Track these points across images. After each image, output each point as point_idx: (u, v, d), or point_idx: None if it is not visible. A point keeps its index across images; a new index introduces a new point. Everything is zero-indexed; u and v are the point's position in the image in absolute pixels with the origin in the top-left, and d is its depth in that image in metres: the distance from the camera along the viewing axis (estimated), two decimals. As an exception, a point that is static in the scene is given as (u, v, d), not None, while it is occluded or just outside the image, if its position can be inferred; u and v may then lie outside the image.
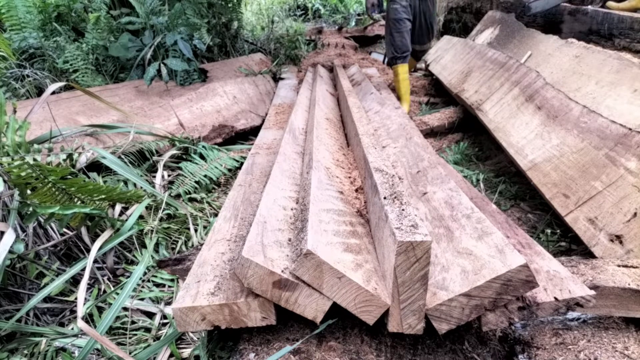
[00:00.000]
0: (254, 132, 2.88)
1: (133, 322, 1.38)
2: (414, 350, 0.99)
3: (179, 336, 1.29)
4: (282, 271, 0.88)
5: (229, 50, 4.10)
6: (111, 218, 1.62)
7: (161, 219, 1.86)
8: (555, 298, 0.90)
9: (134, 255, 1.69)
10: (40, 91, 2.77)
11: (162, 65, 2.86)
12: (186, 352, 1.23)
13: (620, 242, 1.36)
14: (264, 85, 3.59)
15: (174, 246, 1.77)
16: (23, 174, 1.29)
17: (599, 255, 1.39)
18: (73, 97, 2.54)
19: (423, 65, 4.51)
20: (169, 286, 1.55)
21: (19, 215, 1.48)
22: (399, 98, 3.23)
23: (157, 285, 1.55)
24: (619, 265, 1.16)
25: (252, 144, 2.18)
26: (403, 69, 3.12)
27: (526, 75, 2.31)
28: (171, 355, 1.21)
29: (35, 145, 1.79)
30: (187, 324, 0.95)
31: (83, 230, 1.63)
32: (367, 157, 1.26)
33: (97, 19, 3.08)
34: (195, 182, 2.19)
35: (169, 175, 2.26)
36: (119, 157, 2.05)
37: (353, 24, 7.58)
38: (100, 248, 1.47)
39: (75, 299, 1.44)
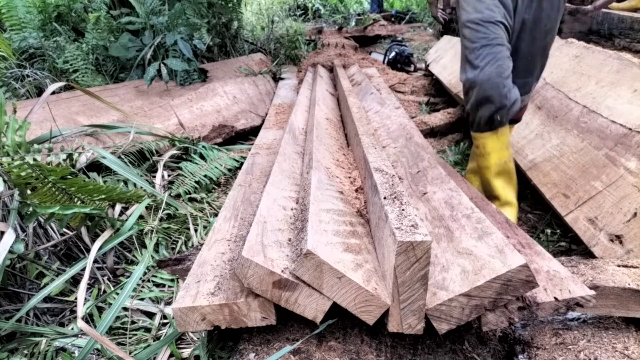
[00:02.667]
0: (254, 132, 2.88)
1: (133, 322, 1.38)
2: (414, 350, 0.99)
3: (179, 336, 1.29)
4: (282, 271, 0.88)
5: (229, 50, 4.10)
6: (111, 218, 1.62)
7: (161, 219, 1.86)
8: (555, 298, 0.90)
9: (134, 255, 1.69)
10: (40, 91, 2.77)
11: (162, 65, 2.86)
12: (186, 352, 1.23)
13: (620, 242, 1.36)
14: (264, 85, 3.59)
15: (174, 246, 1.77)
16: (23, 174, 1.29)
17: (599, 255, 1.39)
18: (73, 97, 2.54)
19: (423, 66, 4.52)
20: (169, 286, 1.55)
21: (19, 215, 1.48)
22: (489, 196, 1.64)
23: (157, 285, 1.55)
24: (619, 265, 1.16)
25: (252, 144, 2.18)
26: (494, 141, 1.53)
27: (526, 75, 2.30)
28: (171, 355, 1.21)
29: (35, 145, 1.79)
30: (187, 324, 0.95)
31: (83, 230, 1.63)
32: (367, 157, 1.26)
33: (97, 19, 3.08)
34: (195, 182, 2.19)
35: (169, 175, 2.26)
36: (119, 157, 2.05)
37: (353, 24, 7.58)
38: (100, 248, 1.47)
39: (75, 299, 1.44)
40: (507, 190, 1.61)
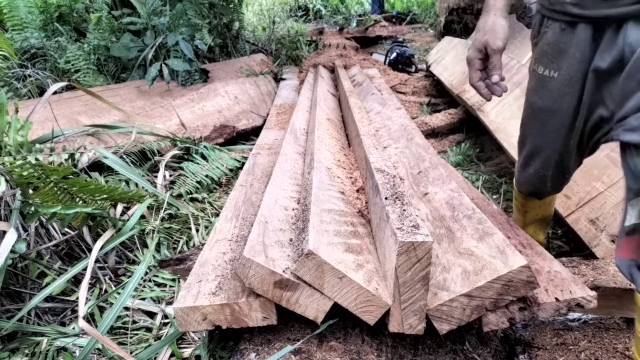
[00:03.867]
0: (255, 132, 2.88)
1: (134, 322, 1.38)
2: (415, 350, 0.99)
3: (180, 336, 1.29)
4: (284, 271, 0.88)
5: (230, 51, 4.11)
6: (113, 218, 1.63)
7: (163, 219, 1.86)
8: (556, 299, 0.90)
9: (135, 255, 1.70)
10: (42, 91, 2.77)
11: (163, 65, 2.87)
12: (187, 352, 1.24)
13: (622, 243, 1.35)
14: (265, 85, 3.59)
15: (175, 246, 1.77)
16: (25, 173, 1.30)
17: (600, 255, 1.39)
18: (75, 97, 2.55)
19: (424, 66, 4.52)
20: (170, 286, 1.55)
21: (21, 215, 1.48)
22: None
23: (159, 285, 1.56)
24: (620, 266, 1.16)
25: (254, 144, 2.19)
26: (534, 203, 1.46)
27: (527, 76, 2.30)
28: (172, 355, 1.21)
29: (37, 145, 1.79)
30: (188, 324, 0.95)
31: (85, 230, 1.63)
32: (368, 157, 1.26)
33: (98, 19, 3.08)
34: (197, 182, 2.19)
35: (170, 175, 2.26)
36: (121, 157, 2.06)
37: (354, 24, 7.58)
38: (101, 248, 1.47)
39: (77, 298, 1.44)
40: (537, 233, 1.57)
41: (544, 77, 1.09)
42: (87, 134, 2.23)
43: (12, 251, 1.28)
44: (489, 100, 1.07)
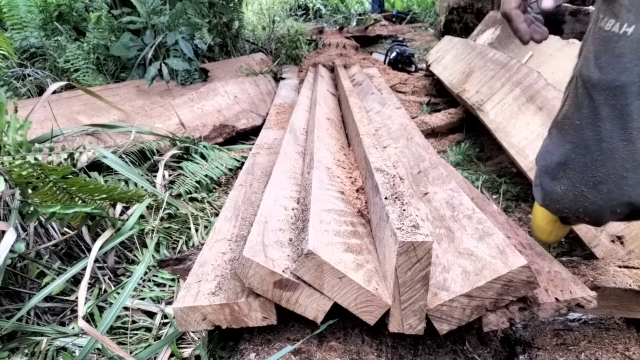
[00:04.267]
0: (254, 132, 2.88)
1: (134, 322, 1.38)
2: (415, 350, 0.99)
3: (180, 336, 1.29)
4: (283, 271, 0.88)
5: (230, 50, 4.10)
6: (112, 217, 1.62)
7: (162, 219, 1.86)
8: (557, 299, 0.90)
9: (134, 255, 1.69)
10: (41, 90, 2.77)
11: (163, 64, 2.86)
12: (187, 352, 1.23)
13: (622, 243, 1.35)
14: (264, 85, 3.59)
15: (174, 246, 1.77)
16: (24, 173, 1.29)
17: (600, 256, 1.39)
18: (74, 96, 2.55)
19: (424, 66, 4.52)
20: (170, 286, 1.55)
21: (20, 215, 1.48)
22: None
23: (158, 284, 1.55)
24: (620, 266, 1.16)
25: (253, 144, 2.18)
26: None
27: (527, 75, 2.31)
28: (172, 354, 1.21)
29: (37, 145, 1.79)
30: (187, 324, 0.95)
31: (84, 229, 1.63)
32: (368, 157, 1.26)
33: (98, 19, 3.08)
34: (196, 181, 2.19)
35: (169, 175, 2.26)
36: (120, 157, 2.05)
37: (354, 24, 7.59)
38: (101, 247, 1.47)
39: (76, 298, 1.44)
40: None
41: (611, 35, 0.72)
42: (87, 133, 2.23)
43: (11, 251, 1.28)
44: (525, 42, 0.78)
